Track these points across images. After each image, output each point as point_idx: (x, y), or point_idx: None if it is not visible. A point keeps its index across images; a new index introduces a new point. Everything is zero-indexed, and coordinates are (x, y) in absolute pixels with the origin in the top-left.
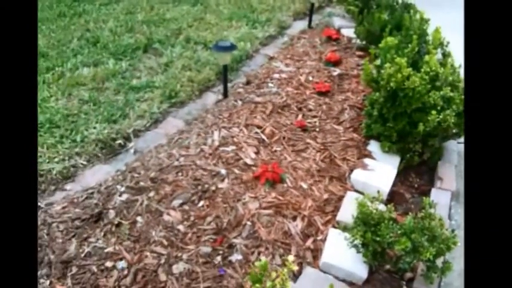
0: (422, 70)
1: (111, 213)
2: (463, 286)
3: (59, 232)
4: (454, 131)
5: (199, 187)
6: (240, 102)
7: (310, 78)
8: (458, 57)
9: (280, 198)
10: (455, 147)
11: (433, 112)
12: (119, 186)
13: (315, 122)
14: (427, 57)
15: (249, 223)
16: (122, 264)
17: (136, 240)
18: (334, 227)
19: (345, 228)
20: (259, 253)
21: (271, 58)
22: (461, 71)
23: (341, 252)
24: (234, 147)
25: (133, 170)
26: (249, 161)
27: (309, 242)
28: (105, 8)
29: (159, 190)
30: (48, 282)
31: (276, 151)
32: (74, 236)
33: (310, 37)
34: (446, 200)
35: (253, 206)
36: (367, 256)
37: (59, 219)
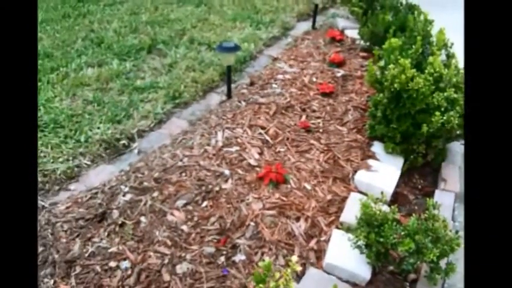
0: (426, 71)
1: (115, 213)
2: None
3: (63, 232)
4: (457, 132)
5: (203, 187)
6: (243, 103)
7: (314, 79)
8: (462, 58)
9: (284, 199)
10: (459, 149)
11: (437, 113)
12: (122, 187)
13: (319, 123)
14: (431, 59)
15: (252, 224)
16: (125, 264)
17: (140, 240)
18: (337, 227)
19: (348, 229)
20: (262, 253)
21: (275, 59)
22: None
23: (344, 253)
24: (237, 148)
25: (137, 170)
26: (252, 162)
27: (313, 243)
28: (109, 9)
29: (162, 190)
30: (52, 281)
31: (279, 152)
32: (77, 236)
33: (314, 38)
34: (450, 201)
35: (256, 206)
36: (370, 257)
37: (63, 219)
